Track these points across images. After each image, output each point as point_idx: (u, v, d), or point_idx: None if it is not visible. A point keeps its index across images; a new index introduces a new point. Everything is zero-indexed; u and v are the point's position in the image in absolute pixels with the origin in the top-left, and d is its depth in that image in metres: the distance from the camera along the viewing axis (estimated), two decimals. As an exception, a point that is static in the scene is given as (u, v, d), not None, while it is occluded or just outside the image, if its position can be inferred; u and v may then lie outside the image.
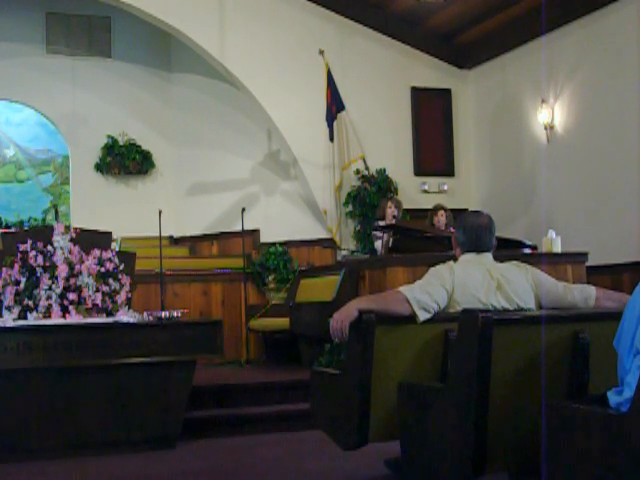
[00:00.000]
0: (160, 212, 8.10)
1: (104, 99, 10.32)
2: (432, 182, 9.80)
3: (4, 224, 10.03)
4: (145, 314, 5.42)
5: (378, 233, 7.47)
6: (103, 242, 5.67)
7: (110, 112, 10.30)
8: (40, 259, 5.23)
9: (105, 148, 10.16)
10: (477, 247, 3.60)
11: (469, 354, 2.95)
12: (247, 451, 5.14)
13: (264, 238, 9.63)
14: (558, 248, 6.74)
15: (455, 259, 3.66)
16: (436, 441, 3.16)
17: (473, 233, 3.60)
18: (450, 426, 3.06)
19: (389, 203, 7.85)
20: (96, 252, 5.41)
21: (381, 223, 7.66)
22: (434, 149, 9.86)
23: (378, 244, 7.49)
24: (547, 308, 3.51)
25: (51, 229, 5.45)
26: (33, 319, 5.09)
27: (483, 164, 9.92)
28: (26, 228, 9.41)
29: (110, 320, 5.20)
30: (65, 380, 4.98)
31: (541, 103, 8.67)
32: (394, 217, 7.70)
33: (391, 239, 6.65)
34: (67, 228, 5.52)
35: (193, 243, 10.30)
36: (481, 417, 2.94)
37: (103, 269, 5.37)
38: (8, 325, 4.96)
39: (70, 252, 5.34)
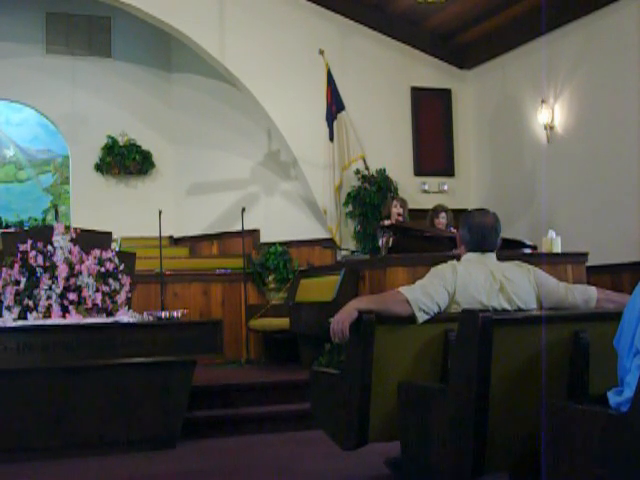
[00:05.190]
0: (160, 212, 8.11)
1: (104, 99, 10.32)
2: (432, 182, 9.79)
3: (4, 224, 10.03)
4: (145, 314, 5.42)
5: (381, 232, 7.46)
6: (103, 242, 5.67)
7: (110, 112, 10.29)
8: (40, 259, 5.23)
9: (105, 148, 10.15)
10: (482, 247, 3.57)
11: (469, 354, 2.95)
12: (247, 451, 5.15)
13: (264, 238, 9.63)
14: (558, 248, 6.74)
15: (459, 258, 3.65)
16: (436, 441, 3.15)
17: (479, 233, 3.57)
18: (450, 426, 3.06)
19: (394, 202, 7.82)
20: (96, 252, 5.41)
21: (386, 222, 7.65)
22: (434, 149, 9.86)
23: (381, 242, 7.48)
24: (547, 308, 3.51)
25: (51, 229, 5.45)
26: (33, 319, 5.09)
27: (483, 164, 9.92)
28: (26, 228, 9.41)
29: (110, 320, 5.20)
30: (65, 380, 4.98)
31: (541, 103, 8.67)
32: (399, 216, 7.69)
33: (391, 239, 6.65)
34: (67, 228, 5.52)
35: (193, 243, 10.30)
36: (481, 417, 2.94)
37: (103, 269, 5.37)
38: (8, 325, 4.96)
39: (70, 252, 5.33)
